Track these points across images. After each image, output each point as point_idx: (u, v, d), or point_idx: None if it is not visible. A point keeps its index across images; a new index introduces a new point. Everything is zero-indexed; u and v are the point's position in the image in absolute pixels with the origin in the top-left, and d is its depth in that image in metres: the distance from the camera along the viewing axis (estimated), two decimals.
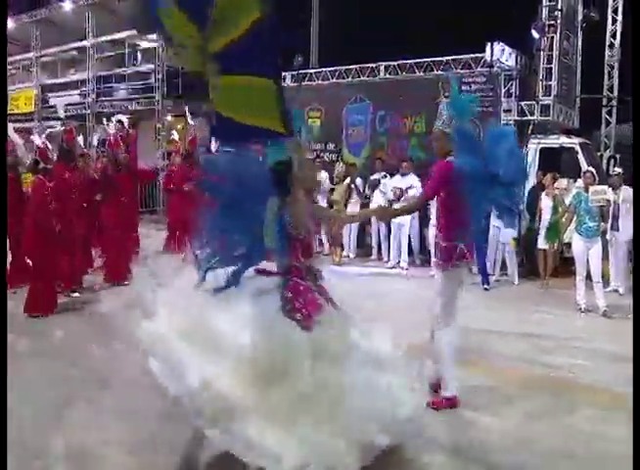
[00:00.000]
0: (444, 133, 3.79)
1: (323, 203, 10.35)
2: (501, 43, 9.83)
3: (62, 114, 15.65)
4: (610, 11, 11.34)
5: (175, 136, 11.78)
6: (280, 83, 2.83)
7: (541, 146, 9.53)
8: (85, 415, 3.79)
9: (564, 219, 7.40)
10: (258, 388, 2.65)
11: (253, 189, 3.02)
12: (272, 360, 2.67)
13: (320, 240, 10.61)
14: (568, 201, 7.60)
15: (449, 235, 3.80)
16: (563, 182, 8.68)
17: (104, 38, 17.63)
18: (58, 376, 4.42)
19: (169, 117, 16.83)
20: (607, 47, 11.35)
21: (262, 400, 2.63)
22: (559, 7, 10.18)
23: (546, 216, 8.08)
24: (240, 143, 3.14)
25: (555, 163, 9.19)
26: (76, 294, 6.93)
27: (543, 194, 8.31)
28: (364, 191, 9.91)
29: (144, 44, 17.75)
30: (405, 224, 9.09)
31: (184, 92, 16.63)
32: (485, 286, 7.81)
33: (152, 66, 16.67)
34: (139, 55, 18.09)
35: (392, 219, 9.23)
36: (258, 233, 2.97)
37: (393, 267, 9.12)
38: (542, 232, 8.10)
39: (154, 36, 16.61)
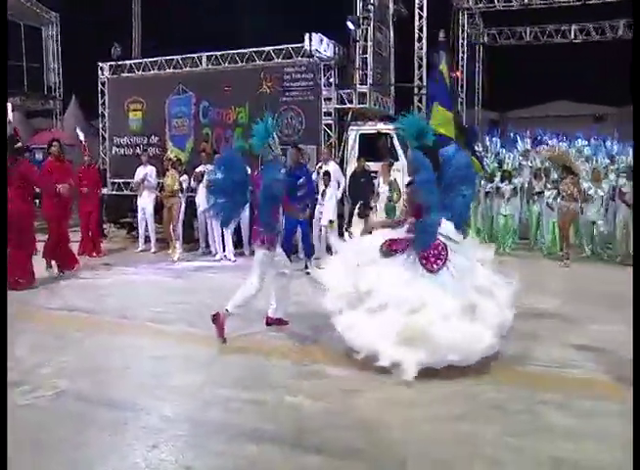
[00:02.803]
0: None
1: (151, 197, 9.79)
2: (319, 34, 10.02)
3: None
4: (416, 8, 12.15)
5: None
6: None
7: (360, 132, 9.88)
8: None
9: (399, 203, 7.76)
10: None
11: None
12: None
13: (147, 237, 9.99)
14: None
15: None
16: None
17: None
18: None
19: None
20: (415, 41, 12.17)
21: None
22: (371, 1, 10.65)
23: (385, 201, 8.34)
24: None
25: (373, 147, 9.56)
26: None
27: (381, 181, 8.56)
28: (189, 184, 9.50)
29: None
30: None
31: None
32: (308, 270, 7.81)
33: None
34: None
35: None
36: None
37: (221, 259, 8.87)
38: (382, 216, 8.34)
39: None
